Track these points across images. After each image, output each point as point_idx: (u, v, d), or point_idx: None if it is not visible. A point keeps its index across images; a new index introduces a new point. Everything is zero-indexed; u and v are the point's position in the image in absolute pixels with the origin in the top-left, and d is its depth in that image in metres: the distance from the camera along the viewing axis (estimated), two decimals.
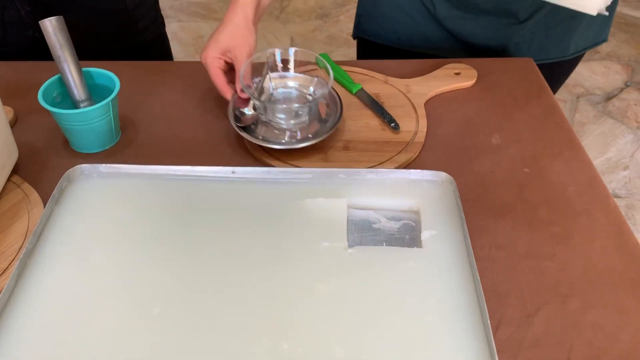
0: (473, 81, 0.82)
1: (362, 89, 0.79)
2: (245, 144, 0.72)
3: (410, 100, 0.78)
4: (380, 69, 0.84)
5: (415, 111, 0.76)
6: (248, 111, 0.71)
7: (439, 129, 0.74)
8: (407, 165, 0.69)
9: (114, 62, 0.82)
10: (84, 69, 0.69)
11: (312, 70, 0.73)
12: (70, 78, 0.67)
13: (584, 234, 0.61)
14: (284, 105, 0.72)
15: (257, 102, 0.69)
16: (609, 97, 2.12)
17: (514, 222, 0.62)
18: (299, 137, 0.69)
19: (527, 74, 0.84)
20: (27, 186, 0.64)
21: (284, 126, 0.70)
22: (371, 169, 0.64)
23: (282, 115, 0.70)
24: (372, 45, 0.98)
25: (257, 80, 0.72)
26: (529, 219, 0.62)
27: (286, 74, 0.73)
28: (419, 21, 0.90)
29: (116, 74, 0.70)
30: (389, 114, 0.75)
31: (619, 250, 0.59)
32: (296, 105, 0.72)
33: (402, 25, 0.92)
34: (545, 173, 0.68)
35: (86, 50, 0.77)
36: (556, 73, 0.91)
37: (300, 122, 0.70)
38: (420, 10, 0.89)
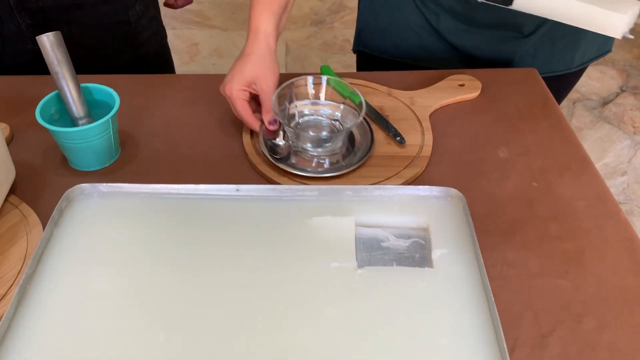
0: (477, 93, 0.81)
1: (365, 101, 0.78)
2: (248, 161, 0.70)
3: (414, 112, 0.77)
4: (383, 80, 0.83)
5: (421, 124, 0.75)
6: (280, 142, 0.70)
7: (444, 143, 0.73)
8: (414, 181, 0.68)
9: (114, 76, 0.81)
10: (83, 84, 0.67)
11: (321, 82, 0.72)
12: (68, 95, 0.66)
13: (596, 251, 0.60)
14: (312, 133, 0.71)
15: (290, 130, 0.68)
16: (605, 102, 2.12)
17: (524, 239, 0.61)
18: (326, 165, 0.68)
19: (531, 84, 0.83)
20: (25, 207, 0.62)
21: (313, 154, 0.69)
22: (379, 186, 0.63)
23: (310, 143, 0.69)
24: (373, 59, 0.96)
25: (280, 108, 0.71)
26: (539, 235, 0.61)
27: (315, 100, 0.72)
28: (422, 35, 0.88)
29: (115, 88, 0.69)
30: (394, 127, 0.74)
31: (632, 267, 0.58)
32: (325, 133, 0.71)
33: (405, 39, 0.90)
34: (554, 187, 0.67)
35: (87, 62, 0.75)
36: (561, 85, 0.90)
37: (330, 150, 0.69)
38: (423, 24, 0.87)
